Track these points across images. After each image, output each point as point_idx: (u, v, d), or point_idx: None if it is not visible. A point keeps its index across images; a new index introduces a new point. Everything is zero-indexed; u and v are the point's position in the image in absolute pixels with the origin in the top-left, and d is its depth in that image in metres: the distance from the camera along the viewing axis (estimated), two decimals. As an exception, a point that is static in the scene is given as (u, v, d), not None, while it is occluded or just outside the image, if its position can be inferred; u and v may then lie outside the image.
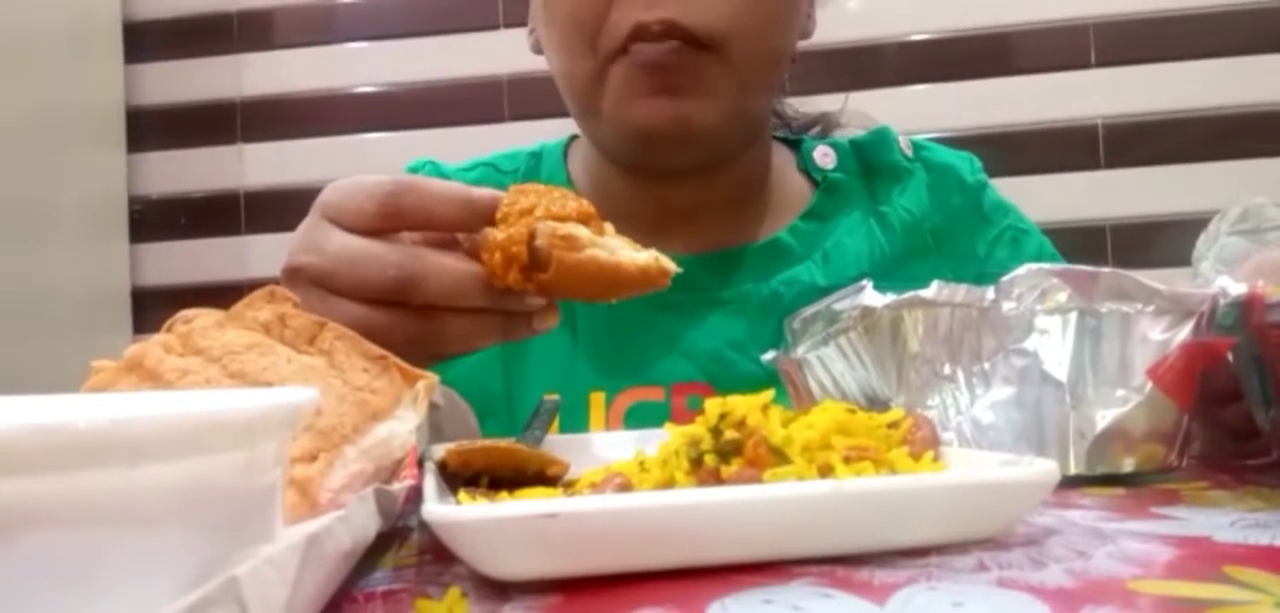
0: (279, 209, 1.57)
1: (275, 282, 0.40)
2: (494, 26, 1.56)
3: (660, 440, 0.37)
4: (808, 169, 0.79)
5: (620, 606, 0.26)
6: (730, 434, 0.34)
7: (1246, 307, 0.42)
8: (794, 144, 0.81)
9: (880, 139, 0.80)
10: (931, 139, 0.83)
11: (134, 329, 1.57)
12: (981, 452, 0.39)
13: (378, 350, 0.37)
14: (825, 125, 0.88)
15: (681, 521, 0.29)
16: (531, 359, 0.71)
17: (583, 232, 0.43)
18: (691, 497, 0.30)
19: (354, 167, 0.47)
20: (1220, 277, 0.45)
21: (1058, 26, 1.48)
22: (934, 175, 0.78)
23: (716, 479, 0.33)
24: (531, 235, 0.43)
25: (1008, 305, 0.44)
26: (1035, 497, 0.33)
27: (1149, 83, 1.46)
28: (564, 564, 0.28)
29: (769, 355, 0.54)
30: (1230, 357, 0.44)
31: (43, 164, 1.40)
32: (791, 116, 0.88)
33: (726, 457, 0.34)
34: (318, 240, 0.45)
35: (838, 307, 0.49)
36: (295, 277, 0.45)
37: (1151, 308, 0.43)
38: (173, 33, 1.62)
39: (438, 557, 0.33)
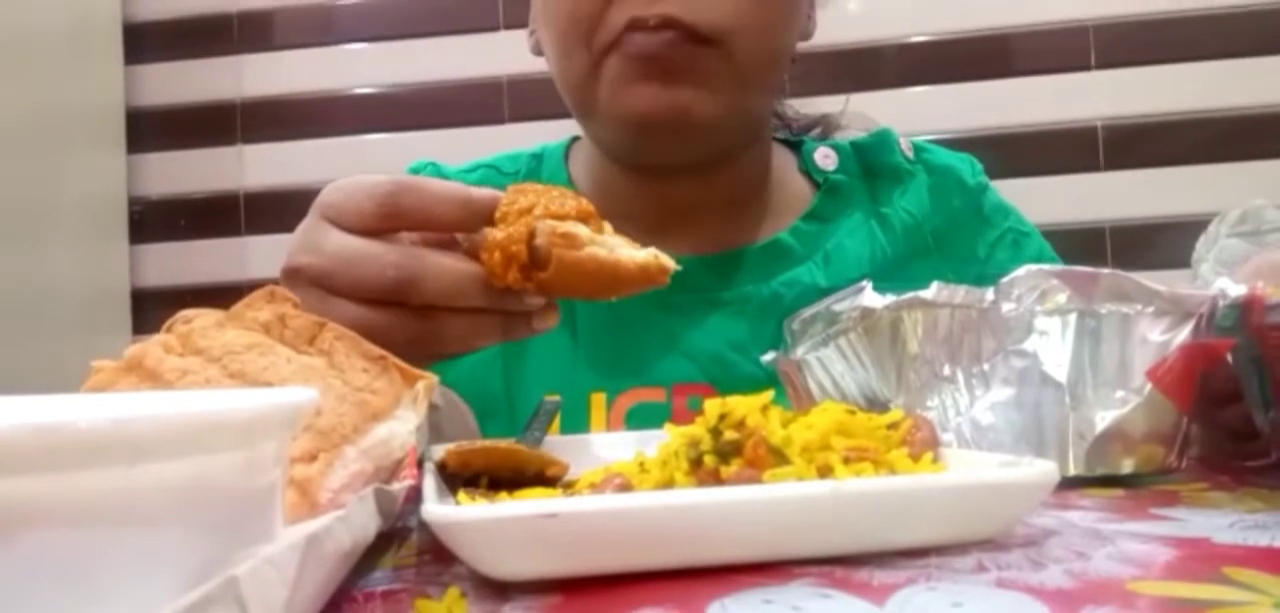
0: (279, 210, 1.57)
1: (275, 282, 0.40)
2: (494, 27, 1.56)
3: (660, 441, 0.37)
4: (809, 170, 0.79)
5: (620, 606, 0.26)
6: (730, 435, 0.34)
7: (1246, 308, 0.42)
8: (795, 145, 0.81)
9: (881, 141, 0.80)
10: (931, 141, 0.83)
11: (134, 330, 1.57)
12: (981, 453, 0.39)
13: (377, 351, 0.37)
14: (826, 127, 0.88)
15: (681, 521, 0.29)
16: (532, 360, 0.71)
17: (582, 230, 0.43)
18: (691, 497, 0.30)
19: (354, 168, 0.47)
20: (1220, 278, 0.45)
21: (1058, 28, 1.48)
22: (935, 177, 0.78)
23: (716, 480, 0.33)
24: (531, 234, 0.43)
25: (1007, 307, 0.44)
26: (1034, 498, 0.33)
27: (1149, 84, 1.46)
28: (563, 564, 0.28)
29: (768, 356, 0.54)
30: (1230, 358, 0.44)
31: (43, 164, 1.40)
32: (792, 118, 0.88)
33: (726, 457, 0.34)
34: (317, 241, 0.45)
35: (837, 308, 0.49)
36: (294, 277, 0.45)
37: (1151, 309, 0.43)
38: (173, 33, 1.62)
39: (437, 557, 0.33)
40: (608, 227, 0.46)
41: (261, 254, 1.58)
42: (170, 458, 0.20)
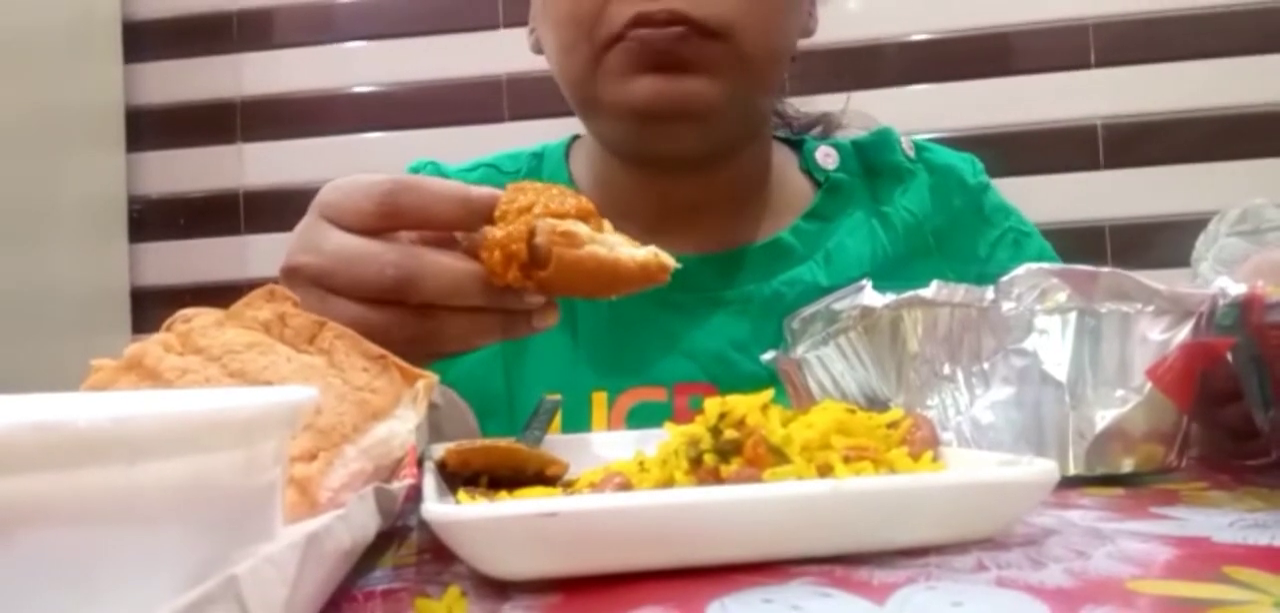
0: (278, 209, 1.57)
1: (275, 281, 0.40)
2: (494, 26, 1.56)
3: (660, 440, 0.37)
4: (809, 169, 0.79)
5: (620, 605, 0.26)
6: (730, 434, 0.34)
7: (1246, 307, 0.42)
8: (796, 144, 0.81)
9: (882, 140, 0.80)
10: (931, 139, 0.83)
11: (133, 329, 1.57)
12: (981, 452, 0.39)
13: (377, 350, 0.37)
14: (827, 126, 0.88)
15: (681, 520, 0.29)
16: (533, 359, 0.71)
17: (582, 228, 0.43)
18: (691, 496, 0.30)
19: (354, 167, 0.47)
20: (1219, 277, 0.45)
21: (1058, 26, 1.48)
22: (936, 176, 0.78)
23: (716, 479, 0.33)
24: (531, 232, 0.43)
25: (1007, 305, 0.44)
26: (1034, 497, 0.33)
27: (1149, 83, 1.46)
28: (563, 564, 0.28)
29: (768, 355, 0.54)
30: (1229, 357, 0.44)
31: (42, 164, 1.40)
32: (793, 116, 0.88)
33: (726, 456, 0.34)
34: (316, 240, 0.45)
35: (837, 306, 0.49)
36: (294, 276, 0.45)
37: (1151, 308, 0.43)
38: (172, 33, 1.62)
39: (437, 556, 0.33)
40: (607, 225, 0.46)
41: (261, 253, 1.58)
42: (170, 457, 0.20)
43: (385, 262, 0.44)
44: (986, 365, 0.45)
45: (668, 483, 0.34)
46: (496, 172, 0.78)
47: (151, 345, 0.36)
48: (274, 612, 0.21)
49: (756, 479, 0.32)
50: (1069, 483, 0.43)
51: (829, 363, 0.50)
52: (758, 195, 0.76)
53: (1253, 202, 1.15)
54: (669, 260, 0.44)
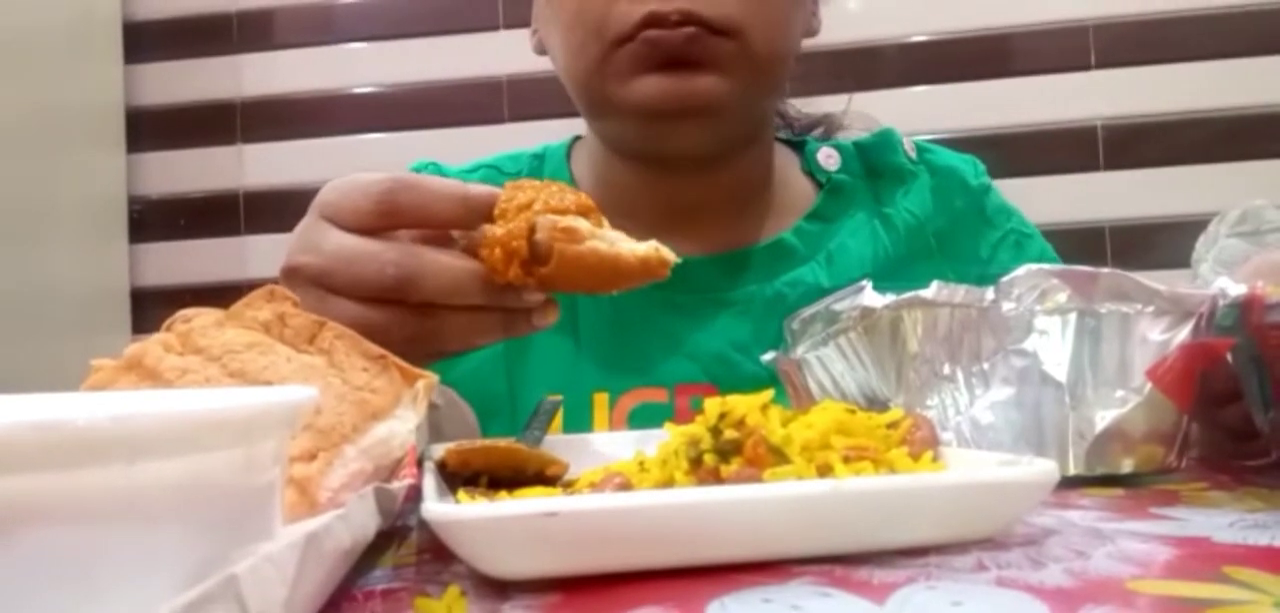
0: (278, 209, 1.57)
1: (275, 282, 0.40)
2: (494, 27, 1.56)
3: (660, 440, 0.37)
4: (811, 171, 0.79)
5: (619, 605, 0.26)
6: (730, 434, 0.34)
7: (1246, 307, 0.42)
8: (797, 146, 0.81)
9: (884, 141, 0.80)
10: (931, 140, 0.83)
11: (133, 329, 1.57)
12: (981, 452, 0.39)
13: (377, 349, 0.37)
14: (828, 127, 0.88)
15: (681, 520, 0.29)
16: (534, 360, 0.71)
17: (583, 224, 0.43)
18: (691, 496, 0.30)
19: (353, 167, 0.47)
20: (1219, 278, 0.45)
21: (1058, 27, 1.48)
22: (938, 178, 0.78)
23: (716, 479, 0.33)
24: (532, 229, 0.42)
25: (1007, 306, 0.44)
26: (1034, 497, 0.33)
27: (1149, 84, 1.46)
28: (563, 563, 0.28)
29: (768, 356, 0.54)
30: (1229, 358, 0.44)
31: (42, 164, 1.40)
32: (795, 117, 0.88)
33: (726, 456, 0.34)
34: (315, 240, 0.45)
35: (837, 307, 0.49)
36: (294, 276, 0.45)
37: (1151, 309, 0.43)
38: (172, 33, 1.62)
39: (437, 556, 0.33)
40: (605, 222, 0.46)
41: (261, 253, 1.58)
42: (169, 456, 0.20)
43: (385, 261, 0.44)
44: (986, 366, 0.45)
45: (668, 483, 0.34)
46: (497, 172, 0.78)
47: (151, 345, 0.36)
48: (274, 611, 0.21)
49: (756, 479, 0.32)
50: (1069, 483, 0.43)
51: (829, 363, 0.50)
52: (760, 196, 0.76)
53: (1253, 203, 1.15)
54: (669, 255, 0.44)
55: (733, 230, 0.74)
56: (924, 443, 0.36)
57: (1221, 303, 0.43)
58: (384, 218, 0.45)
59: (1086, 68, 1.48)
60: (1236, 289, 0.42)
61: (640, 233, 0.46)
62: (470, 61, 1.57)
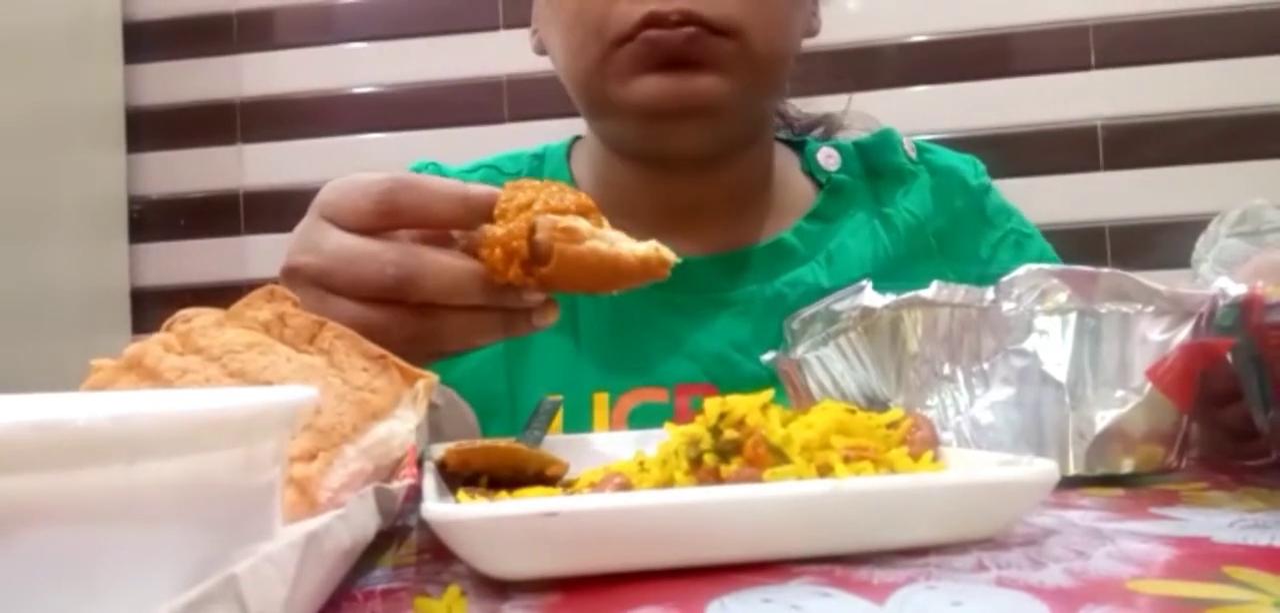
0: (278, 209, 1.57)
1: (275, 282, 0.40)
2: (494, 27, 1.56)
3: (660, 440, 0.37)
4: (811, 171, 0.79)
5: (619, 605, 0.26)
6: (730, 434, 0.34)
7: (1246, 307, 0.42)
8: (797, 146, 0.81)
9: (884, 141, 0.80)
10: (931, 140, 0.83)
11: (133, 329, 1.57)
12: (981, 452, 0.39)
13: (377, 349, 0.37)
14: (828, 127, 0.88)
15: (681, 520, 0.29)
16: (535, 360, 0.71)
17: (583, 224, 0.43)
18: (691, 496, 0.30)
19: (353, 167, 0.47)
20: (1219, 278, 0.45)
21: (1058, 27, 1.48)
22: (938, 178, 0.78)
23: (716, 479, 0.33)
24: (532, 229, 0.42)
25: (1007, 306, 0.44)
26: (1034, 497, 0.33)
27: (1149, 84, 1.46)
28: (563, 563, 0.28)
29: (768, 356, 0.54)
30: (1229, 358, 0.44)
31: (42, 164, 1.40)
32: (795, 117, 0.88)
33: (726, 456, 0.34)
34: (315, 240, 0.45)
35: (837, 307, 0.49)
36: (294, 276, 0.45)
37: (1151, 309, 0.43)
38: (172, 33, 1.62)
39: (437, 556, 0.33)
40: (605, 222, 0.46)
41: (261, 254, 1.58)
42: (169, 456, 0.20)
43: (385, 261, 0.44)
44: (986, 366, 0.45)
45: (668, 483, 0.34)
46: (497, 172, 0.78)
47: (151, 345, 0.36)
48: (273, 611, 0.21)
49: (756, 479, 0.32)
50: (1069, 483, 0.43)
51: (829, 363, 0.50)
52: (760, 196, 0.76)
53: (1253, 203, 1.15)
54: (669, 255, 0.44)
55: (733, 230, 0.74)
56: (924, 443, 0.36)
57: (1221, 303, 0.43)
58: (384, 218, 0.45)
59: (1086, 68, 1.48)
60: (1236, 289, 0.42)
61: (640, 233, 0.46)
62: (470, 61, 1.57)
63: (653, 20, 0.62)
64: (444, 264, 0.44)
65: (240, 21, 1.62)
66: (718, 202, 0.74)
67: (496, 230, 0.43)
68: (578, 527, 0.28)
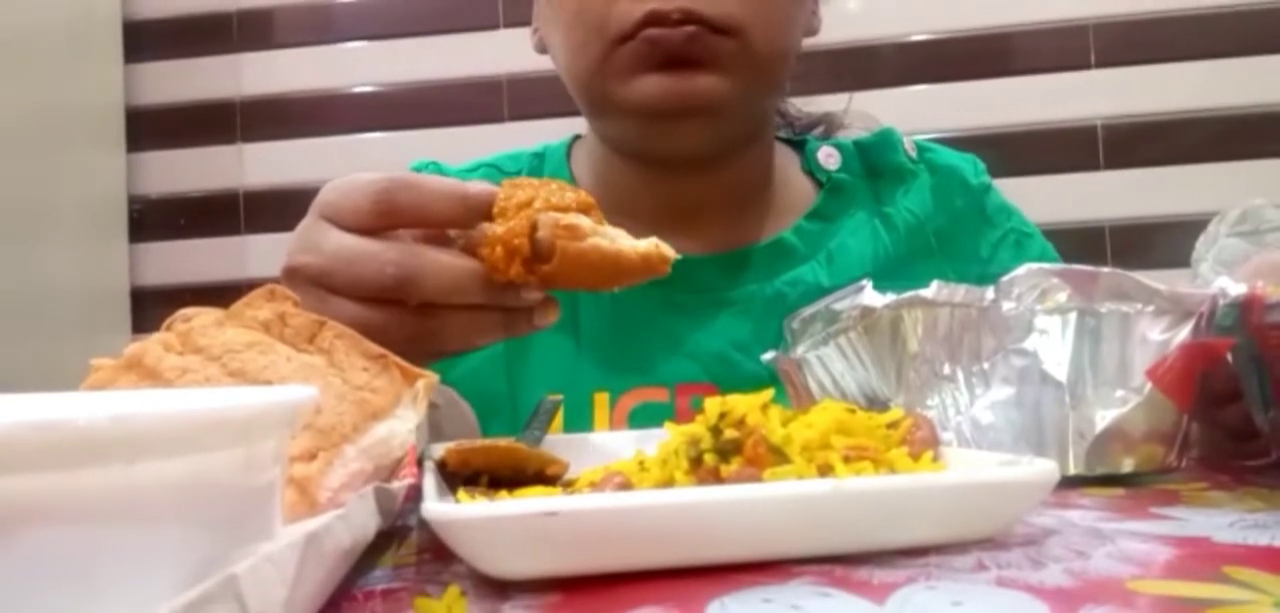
0: (278, 209, 1.57)
1: (275, 281, 0.40)
2: (494, 26, 1.56)
3: (660, 440, 0.37)
4: (812, 170, 0.79)
5: (619, 604, 0.26)
6: (730, 433, 0.34)
7: (1246, 307, 0.42)
8: (798, 145, 0.81)
9: (884, 140, 0.80)
10: (931, 140, 0.83)
11: (133, 328, 1.57)
12: (981, 452, 0.39)
13: (378, 349, 0.37)
14: (829, 126, 0.88)
15: (681, 520, 0.29)
16: (535, 360, 0.71)
17: (584, 221, 0.43)
18: (691, 496, 0.30)
19: (353, 167, 0.47)
20: (1219, 277, 0.45)
21: (1058, 27, 1.48)
22: (938, 177, 0.78)
23: (716, 478, 0.33)
24: (533, 227, 0.42)
25: (1007, 305, 0.44)
26: (1034, 497, 0.33)
27: (1149, 84, 1.46)
28: (563, 563, 0.28)
29: (768, 355, 0.54)
30: (1229, 357, 0.44)
31: (42, 164, 1.40)
32: (795, 117, 0.88)
33: (726, 456, 0.34)
34: (315, 240, 0.45)
35: (837, 306, 0.49)
36: (294, 277, 0.45)
37: (1151, 308, 0.43)
38: (172, 32, 1.62)
39: (437, 555, 0.33)
40: (603, 219, 0.46)
41: (261, 253, 1.58)
42: (169, 456, 0.20)
43: (384, 260, 0.44)
44: (986, 365, 0.45)
45: (668, 483, 0.34)
46: (497, 171, 0.78)
47: (151, 345, 0.36)
48: (273, 611, 0.21)
49: (756, 479, 0.32)
50: (1069, 483, 0.43)
51: (829, 363, 0.50)
52: (760, 196, 0.76)
53: (1253, 202, 1.15)
54: (669, 251, 0.44)
55: (733, 230, 0.74)
56: (924, 443, 0.36)
57: (1221, 303, 0.43)
58: (382, 217, 0.45)
59: (1086, 67, 1.48)
60: (1236, 289, 0.42)
61: (640, 232, 0.46)
62: (470, 61, 1.57)
63: (654, 19, 0.62)
64: (444, 263, 0.44)
65: (240, 21, 1.62)
66: (718, 201, 0.74)
67: (497, 228, 0.43)
68: (578, 527, 0.28)
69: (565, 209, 0.43)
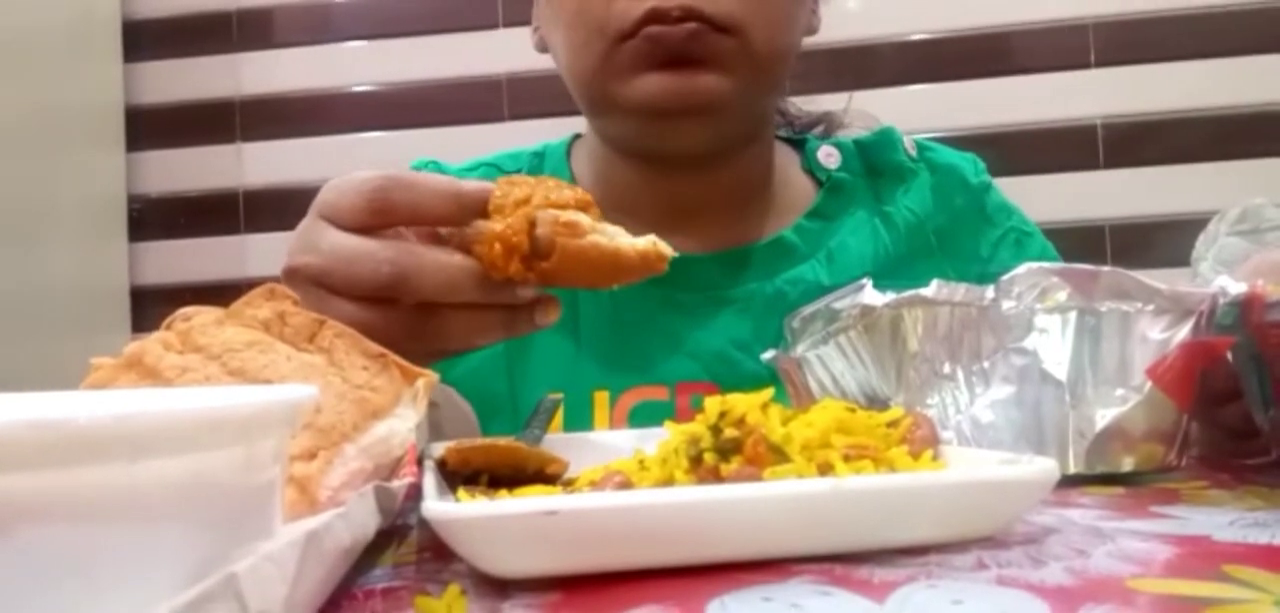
0: (278, 208, 1.57)
1: (274, 280, 0.40)
2: (493, 26, 1.56)
3: (660, 439, 0.37)
4: (812, 169, 0.79)
5: (619, 603, 0.26)
6: (730, 432, 0.34)
7: (1246, 306, 0.42)
8: (798, 144, 0.81)
9: (884, 139, 0.80)
10: (931, 139, 0.83)
11: (133, 327, 1.57)
12: (981, 450, 0.39)
13: (378, 348, 0.37)
14: (829, 125, 0.88)
15: (681, 519, 0.29)
16: (535, 359, 0.71)
17: (583, 218, 0.43)
18: (691, 495, 0.30)
19: (353, 166, 0.47)
20: (1219, 276, 0.45)
21: (1058, 26, 1.48)
22: (938, 176, 0.78)
23: (716, 477, 0.33)
24: (532, 224, 0.42)
25: (1007, 304, 0.44)
26: (1034, 496, 0.33)
27: (1148, 83, 1.46)
28: (563, 562, 0.28)
29: (768, 354, 0.54)
30: (1229, 356, 0.44)
31: (42, 164, 1.40)
32: (795, 116, 0.88)
33: (726, 455, 0.34)
34: (314, 239, 0.45)
35: (837, 305, 0.49)
36: (294, 277, 0.45)
37: (1151, 307, 0.43)
38: (172, 32, 1.62)
39: (437, 554, 0.33)
40: (601, 217, 0.46)
41: (260, 252, 1.58)
42: (170, 455, 0.20)
43: (380, 259, 0.44)
44: (986, 364, 0.45)
45: (668, 482, 0.34)
46: (497, 171, 0.78)
47: (151, 344, 0.36)
48: (274, 609, 0.21)
49: (756, 478, 0.32)
50: (1069, 482, 0.43)
51: (829, 362, 0.50)
52: (760, 194, 0.76)
53: (1252, 201, 1.15)
54: (667, 249, 0.44)
55: (733, 228, 0.74)
56: (924, 442, 0.36)
57: (1221, 301, 0.43)
58: (377, 215, 0.45)
59: (1086, 67, 1.48)
60: (1236, 288, 0.42)
61: (640, 231, 0.46)
62: (470, 60, 1.57)
63: (654, 16, 0.62)
64: (440, 262, 0.44)
65: (239, 20, 1.62)
66: (718, 200, 0.74)
67: (495, 226, 0.43)
68: (578, 526, 0.28)
69: (563, 206, 0.43)
